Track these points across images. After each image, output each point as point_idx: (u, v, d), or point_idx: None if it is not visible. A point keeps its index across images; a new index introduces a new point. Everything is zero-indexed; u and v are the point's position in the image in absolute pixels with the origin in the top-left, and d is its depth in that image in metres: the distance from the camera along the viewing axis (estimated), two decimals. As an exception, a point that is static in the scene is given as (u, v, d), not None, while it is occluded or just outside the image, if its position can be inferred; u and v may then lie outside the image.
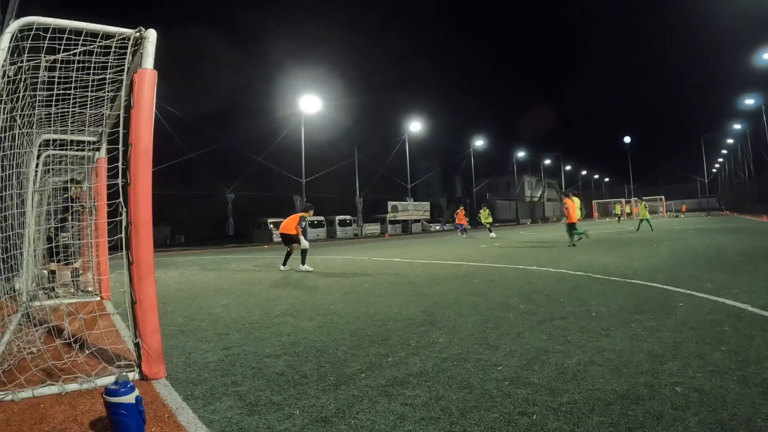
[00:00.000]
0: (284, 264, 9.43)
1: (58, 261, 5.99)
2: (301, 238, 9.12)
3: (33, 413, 2.40)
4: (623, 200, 18.11)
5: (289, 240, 9.28)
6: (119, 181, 3.06)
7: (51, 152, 5.73)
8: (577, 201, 13.58)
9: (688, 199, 63.92)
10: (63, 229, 6.00)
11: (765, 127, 35.32)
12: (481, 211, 23.40)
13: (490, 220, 22.80)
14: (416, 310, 4.70)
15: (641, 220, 21.04)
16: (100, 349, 3.46)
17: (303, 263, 9.02)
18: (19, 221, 4.05)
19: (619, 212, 38.32)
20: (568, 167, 70.87)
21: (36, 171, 5.45)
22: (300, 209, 9.58)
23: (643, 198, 19.37)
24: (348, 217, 35.43)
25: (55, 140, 5.23)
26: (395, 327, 4.04)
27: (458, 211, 23.37)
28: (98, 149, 5.63)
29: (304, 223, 9.34)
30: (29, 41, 2.88)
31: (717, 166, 71.10)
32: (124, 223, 2.96)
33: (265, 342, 3.72)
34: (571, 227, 13.00)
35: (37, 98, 3.89)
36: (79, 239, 6.19)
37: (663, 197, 53.27)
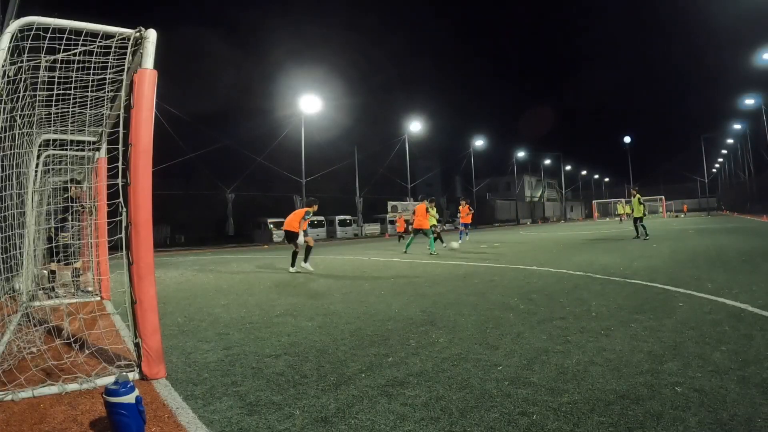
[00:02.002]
0: (293, 265, 9.14)
1: (58, 261, 5.99)
2: (301, 234, 8.65)
3: (33, 413, 2.40)
4: (623, 200, 17.28)
5: (292, 237, 8.86)
6: (119, 181, 3.06)
7: (51, 152, 5.73)
8: (423, 207, 12.77)
9: (688, 199, 63.94)
10: (63, 229, 6.00)
11: (765, 127, 35.32)
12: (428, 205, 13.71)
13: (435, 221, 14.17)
14: (416, 310, 4.70)
15: (636, 219, 15.48)
16: (100, 349, 3.46)
17: (305, 260, 8.80)
18: (19, 221, 4.05)
19: (622, 212, 37.82)
20: (568, 167, 70.92)
21: (36, 171, 5.45)
22: (305, 204, 9.09)
23: (637, 191, 14.88)
24: (348, 217, 35.44)
25: (55, 140, 5.23)
26: (395, 327, 4.04)
27: (462, 206, 16.95)
28: (98, 149, 5.63)
29: (308, 217, 8.77)
30: (29, 41, 2.88)
31: (717, 166, 71.14)
32: (124, 223, 2.96)
33: (265, 342, 3.72)
34: (415, 232, 13.14)
35: (37, 98, 3.89)
36: (79, 239, 6.19)
37: (663, 197, 53.32)
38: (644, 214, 14.73)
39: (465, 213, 17.22)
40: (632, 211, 15.62)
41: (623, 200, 17.89)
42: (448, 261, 10.21)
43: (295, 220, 8.79)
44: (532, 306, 4.67)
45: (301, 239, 8.67)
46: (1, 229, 3.60)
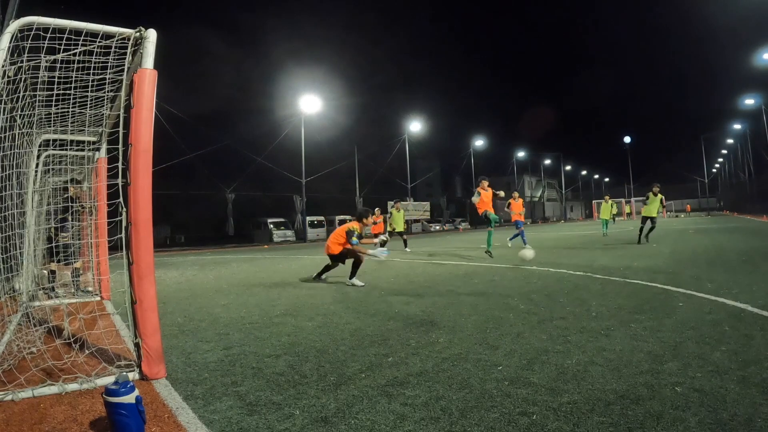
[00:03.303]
0: (320, 275, 7.39)
1: (58, 261, 5.99)
2: (355, 246, 6.71)
3: (33, 413, 2.40)
4: (608, 198, 16.32)
5: (336, 259, 6.91)
6: (119, 181, 3.06)
7: (51, 152, 5.73)
8: (490, 195, 10.83)
9: (688, 199, 63.96)
10: (63, 229, 6.00)
11: (765, 127, 35.32)
12: (394, 210, 14.97)
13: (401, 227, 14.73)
14: (416, 310, 4.70)
15: (648, 218, 17.44)
16: (100, 349, 3.46)
17: (351, 276, 6.74)
18: (19, 221, 4.05)
19: (615, 211, 37.48)
20: (568, 167, 70.92)
21: (36, 171, 5.45)
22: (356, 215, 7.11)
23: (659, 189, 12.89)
24: (348, 217, 35.42)
25: (55, 140, 5.23)
26: (395, 327, 4.04)
27: (513, 199, 13.12)
28: (98, 149, 5.63)
29: (352, 238, 6.51)
30: (29, 41, 2.88)
31: (717, 166, 71.13)
32: (124, 223, 2.96)
33: (265, 342, 3.72)
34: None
35: (37, 98, 3.89)
36: (79, 239, 6.20)
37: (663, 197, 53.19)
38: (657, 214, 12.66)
39: (520, 209, 13.06)
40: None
41: (607, 198, 17.32)
42: (448, 261, 10.21)
43: (334, 242, 6.77)
44: (532, 306, 4.67)
45: (375, 252, 6.70)
46: (1, 229, 3.60)
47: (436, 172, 57.30)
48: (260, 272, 9.53)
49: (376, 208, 15.61)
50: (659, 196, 12.54)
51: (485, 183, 10.47)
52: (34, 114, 4.21)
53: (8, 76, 3.03)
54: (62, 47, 2.98)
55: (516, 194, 13.54)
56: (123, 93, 3.16)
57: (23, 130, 4.17)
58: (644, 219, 12.81)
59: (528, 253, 8.26)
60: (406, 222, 15.10)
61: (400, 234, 14.84)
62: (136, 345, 2.89)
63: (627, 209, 50.77)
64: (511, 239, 13.56)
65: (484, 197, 10.18)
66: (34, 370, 2.89)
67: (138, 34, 2.99)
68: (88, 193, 6.13)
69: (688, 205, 59.38)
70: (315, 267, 9.22)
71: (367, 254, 5.77)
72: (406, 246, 14.65)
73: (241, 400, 2.51)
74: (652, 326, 3.65)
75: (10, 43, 2.82)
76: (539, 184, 69.78)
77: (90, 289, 6.40)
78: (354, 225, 6.50)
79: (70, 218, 5.77)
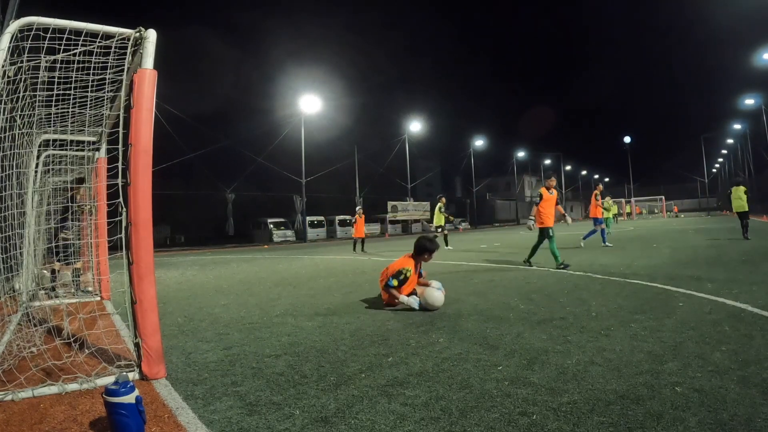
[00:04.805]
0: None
1: (59, 261, 5.99)
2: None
3: (33, 413, 2.40)
4: (609, 198, 16.21)
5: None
6: (119, 181, 3.06)
7: (51, 152, 5.73)
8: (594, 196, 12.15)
9: (688, 199, 63.94)
10: (63, 228, 6.01)
11: (765, 127, 35.32)
12: (440, 203, 14.59)
13: (441, 222, 14.53)
14: (416, 311, 4.69)
15: (744, 214, 17.15)
16: (100, 349, 3.46)
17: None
18: (19, 221, 4.05)
19: (616, 211, 37.59)
20: (568, 167, 70.91)
21: (36, 171, 5.45)
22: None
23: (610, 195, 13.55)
24: (348, 217, 35.44)
25: (55, 140, 5.23)
26: (395, 327, 4.04)
27: (597, 193, 12.53)
28: (98, 149, 5.63)
29: (392, 281, 4.86)
30: (29, 41, 2.88)
31: (717, 166, 71.14)
32: (124, 223, 2.96)
33: (265, 342, 3.72)
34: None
35: (37, 98, 3.89)
36: (79, 239, 6.20)
37: (663, 197, 53.43)
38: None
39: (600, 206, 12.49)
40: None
41: (609, 198, 17.53)
42: (448, 261, 10.21)
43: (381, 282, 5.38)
44: (532, 306, 4.67)
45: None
46: (1, 229, 3.61)
47: (436, 172, 57.33)
48: (260, 272, 9.53)
49: (358, 207, 15.48)
50: (743, 187, 11.96)
51: (552, 183, 8.28)
52: (34, 114, 4.21)
53: (8, 76, 3.03)
54: (62, 47, 2.98)
55: (600, 186, 12.60)
56: (123, 93, 3.16)
57: (23, 130, 4.16)
58: (742, 215, 12.08)
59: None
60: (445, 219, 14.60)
61: (440, 228, 14.24)
62: (136, 345, 2.89)
63: (627, 209, 50.84)
64: (585, 238, 12.83)
65: (544, 202, 8.05)
66: (34, 370, 2.89)
67: (138, 34, 2.99)
68: (87, 193, 6.13)
69: (675, 207, 58.73)
70: (315, 267, 9.21)
71: (398, 301, 4.84)
72: (447, 244, 14.04)
73: (241, 400, 2.51)
74: (652, 326, 3.65)
75: (10, 43, 2.82)
76: (539, 184, 69.78)
77: (90, 289, 6.40)
78: (407, 264, 4.85)
79: (70, 218, 5.77)
